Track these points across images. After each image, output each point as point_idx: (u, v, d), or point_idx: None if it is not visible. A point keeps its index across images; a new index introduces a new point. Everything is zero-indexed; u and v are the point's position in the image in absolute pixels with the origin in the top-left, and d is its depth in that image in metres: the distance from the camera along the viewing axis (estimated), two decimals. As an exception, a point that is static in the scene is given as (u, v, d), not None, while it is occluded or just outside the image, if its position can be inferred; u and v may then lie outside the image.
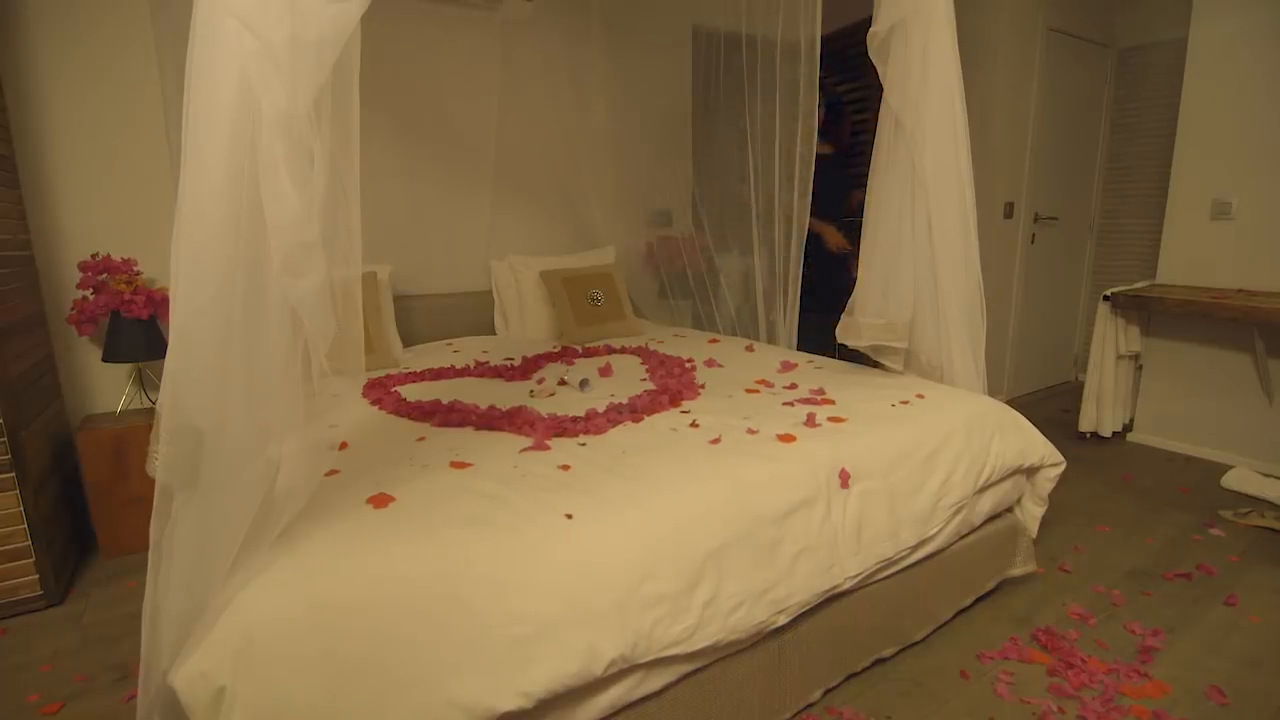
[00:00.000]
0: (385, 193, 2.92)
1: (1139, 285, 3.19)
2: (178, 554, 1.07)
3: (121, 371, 2.47)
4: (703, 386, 2.16)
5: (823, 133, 3.01)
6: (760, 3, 2.64)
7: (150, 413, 2.38)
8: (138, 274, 2.37)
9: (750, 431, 1.70)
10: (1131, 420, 3.39)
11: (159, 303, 2.31)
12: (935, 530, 1.72)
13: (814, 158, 2.48)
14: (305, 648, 1.02)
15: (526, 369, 2.45)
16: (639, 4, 3.54)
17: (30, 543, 1.94)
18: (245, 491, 1.11)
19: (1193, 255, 3.13)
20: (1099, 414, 3.29)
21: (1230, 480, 2.79)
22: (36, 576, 1.96)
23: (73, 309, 2.27)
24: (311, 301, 1.12)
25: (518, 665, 1.10)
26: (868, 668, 1.69)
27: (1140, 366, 3.33)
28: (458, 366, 2.49)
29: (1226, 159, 2.98)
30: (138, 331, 2.29)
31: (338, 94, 1.16)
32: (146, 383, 2.48)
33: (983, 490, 1.85)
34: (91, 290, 2.29)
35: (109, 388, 2.49)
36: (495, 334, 3.20)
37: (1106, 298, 3.15)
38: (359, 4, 1.11)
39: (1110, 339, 3.21)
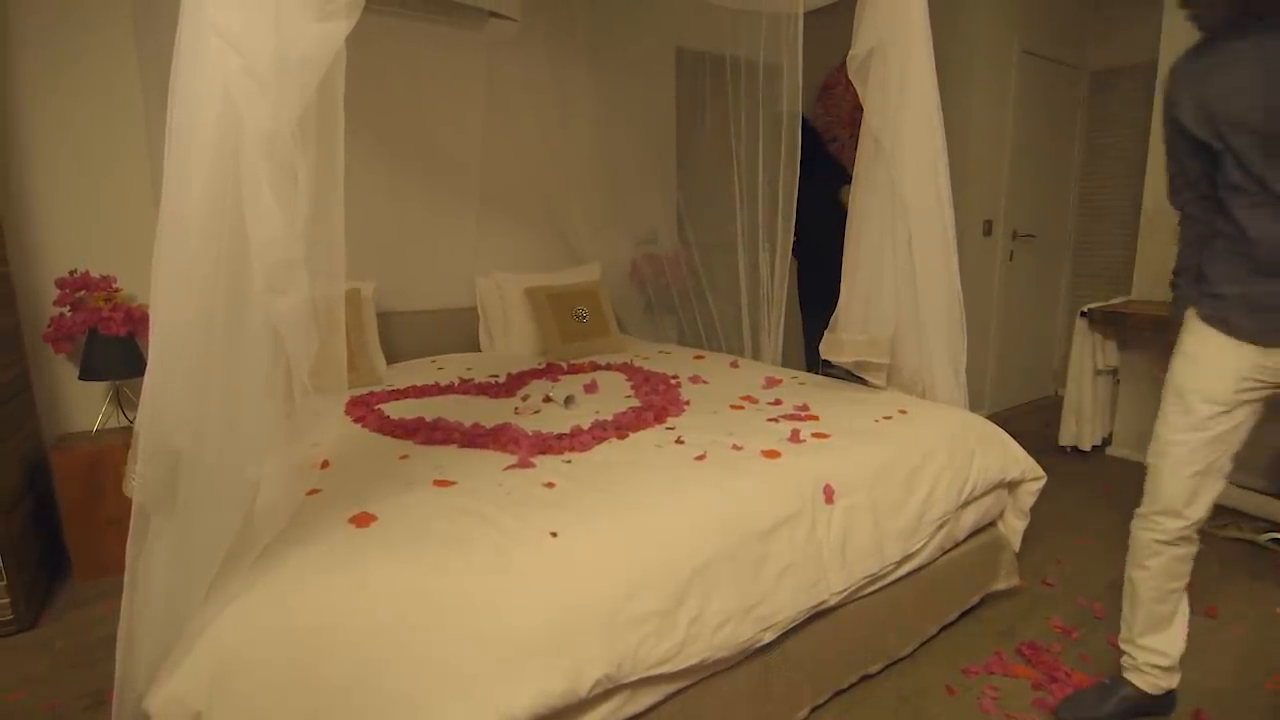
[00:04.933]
0: (369, 209, 2.91)
1: (1115, 301, 3.25)
2: (154, 576, 1.05)
3: (98, 390, 2.43)
4: (688, 403, 2.16)
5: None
6: (743, 26, 2.68)
7: (128, 431, 2.34)
8: (116, 291, 2.34)
9: (735, 448, 1.71)
10: (1111, 434, 3.44)
11: (137, 320, 2.28)
12: (919, 545, 1.73)
13: (797, 185, 2.49)
14: (284, 671, 1.00)
15: (511, 386, 2.45)
16: (624, 26, 3.57)
17: (1, 565, 1.89)
18: (224, 512, 1.10)
19: (1166, 271, 3.16)
20: (1079, 428, 3.34)
21: (1207, 493, 2.82)
22: (8, 600, 1.91)
23: (49, 326, 2.24)
24: (293, 319, 1.11)
25: (502, 687, 1.08)
26: (854, 684, 1.69)
27: (1118, 381, 3.38)
28: (442, 384, 2.48)
29: (1197, 178, 3.06)
30: (115, 349, 2.26)
31: (322, 112, 1.16)
32: (124, 401, 2.44)
33: (966, 505, 1.86)
34: (69, 307, 2.26)
35: (85, 406, 2.45)
36: (480, 351, 3.19)
37: (1084, 314, 3.21)
38: (344, 23, 1.12)
39: (1088, 354, 3.26)
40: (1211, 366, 1.47)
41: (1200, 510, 1.48)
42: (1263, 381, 1.43)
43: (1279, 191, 1.36)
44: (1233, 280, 1.45)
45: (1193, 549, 1.50)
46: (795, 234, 2.53)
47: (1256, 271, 1.42)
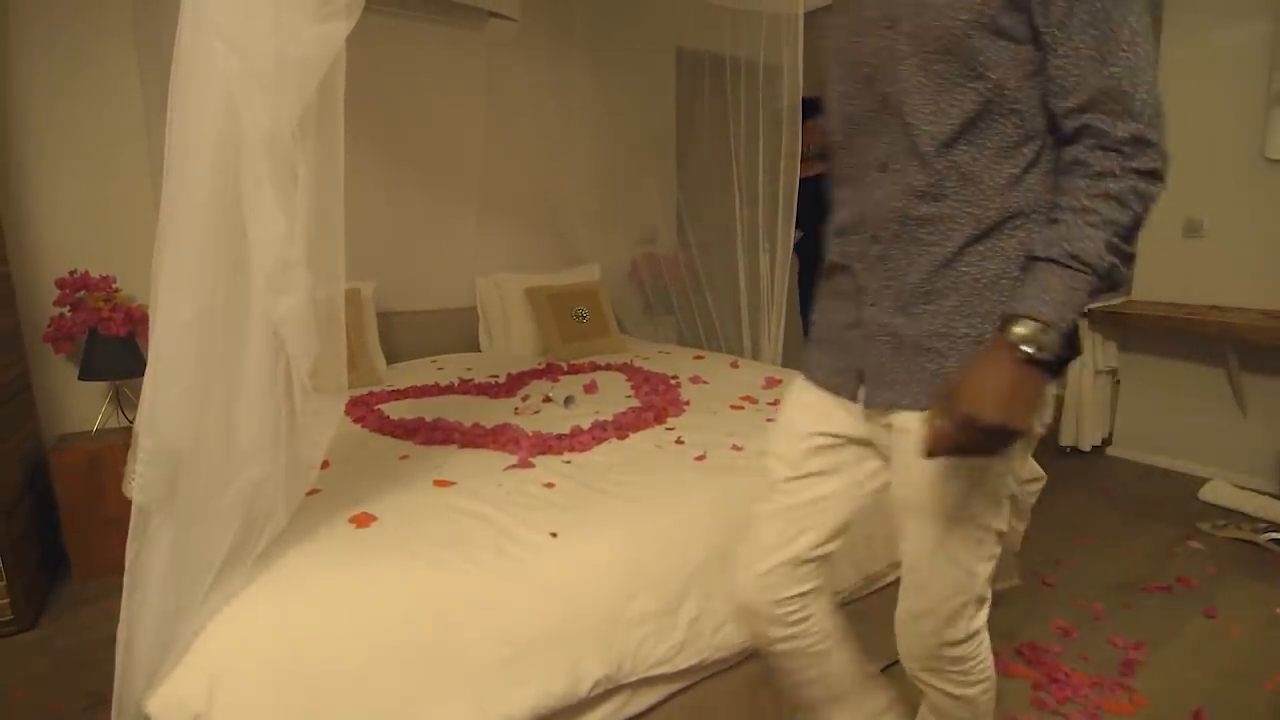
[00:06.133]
0: (370, 209, 2.91)
1: (1115, 302, 3.25)
2: (154, 576, 1.05)
3: (98, 390, 2.43)
4: (687, 403, 2.16)
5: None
6: (743, 26, 2.68)
7: (127, 432, 2.34)
8: (116, 291, 2.34)
9: (735, 448, 1.71)
10: (1110, 434, 3.44)
11: (137, 320, 2.28)
12: (919, 545, 1.72)
13: (797, 185, 2.50)
14: (284, 673, 1.00)
15: (511, 386, 2.45)
16: (624, 26, 3.58)
17: (1, 566, 1.89)
18: (224, 512, 1.09)
19: (1166, 272, 3.20)
20: (1078, 428, 3.34)
21: (1208, 493, 2.82)
22: (7, 600, 1.91)
23: (49, 326, 2.24)
24: (294, 319, 1.11)
25: (502, 688, 1.08)
26: (854, 684, 1.69)
27: (1118, 381, 3.38)
28: (442, 384, 2.48)
29: (1197, 178, 3.05)
30: (115, 349, 2.26)
31: (322, 112, 1.16)
32: (124, 401, 2.44)
33: (965, 505, 1.86)
34: (69, 307, 2.26)
35: (85, 406, 2.45)
36: (480, 351, 3.19)
37: (1084, 314, 3.20)
38: (344, 24, 1.12)
39: (1088, 354, 3.26)
40: (785, 414, 1.10)
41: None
42: (843, 437, 1.00)
43: (863, 158, 0.94)
44: (817, 299, 1.08)
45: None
46: (797, 230, 2.53)
47: (830, 292, 1.04)
